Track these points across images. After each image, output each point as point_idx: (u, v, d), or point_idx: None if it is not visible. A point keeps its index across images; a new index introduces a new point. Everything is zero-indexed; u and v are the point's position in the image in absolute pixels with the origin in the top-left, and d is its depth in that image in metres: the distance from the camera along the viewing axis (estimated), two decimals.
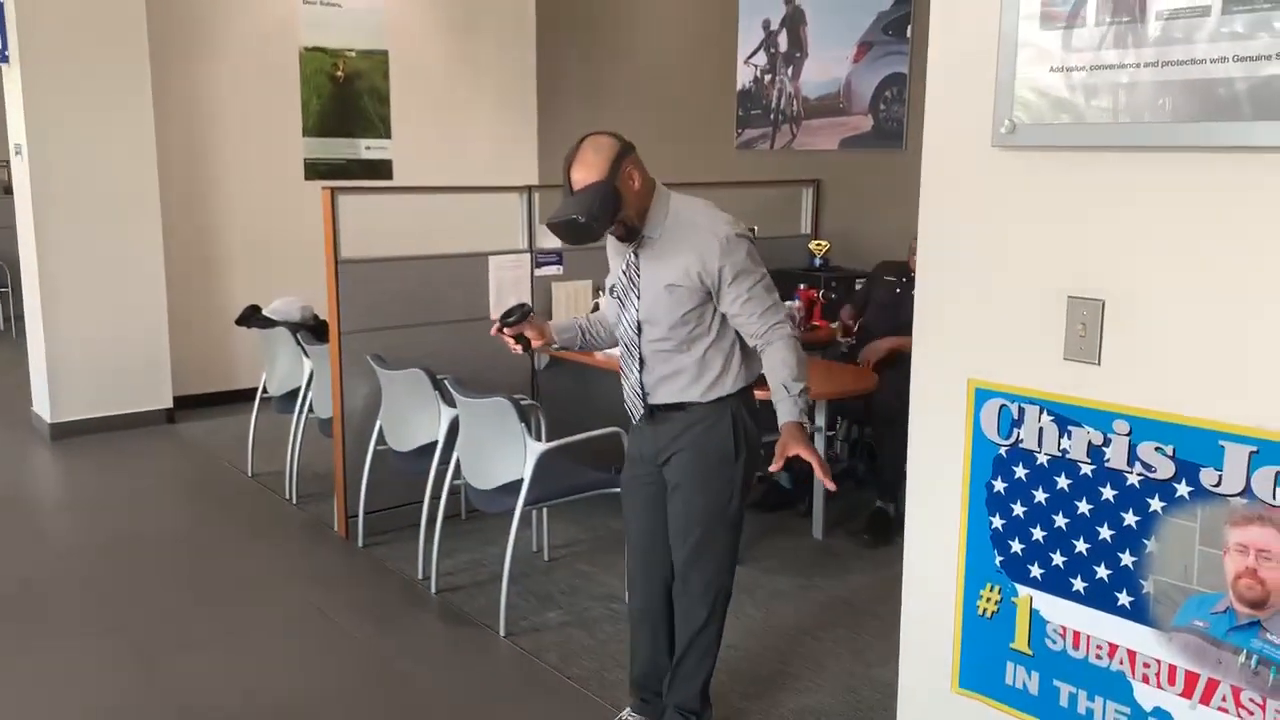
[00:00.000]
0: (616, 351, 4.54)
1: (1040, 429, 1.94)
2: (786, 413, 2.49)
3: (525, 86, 7.79)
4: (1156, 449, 1.78)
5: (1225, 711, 1.75)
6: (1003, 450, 2.01)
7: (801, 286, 5.21)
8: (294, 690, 3.23)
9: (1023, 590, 2.01)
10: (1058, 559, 1.95)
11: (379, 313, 4.35)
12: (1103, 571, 1.89)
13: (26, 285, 6.05)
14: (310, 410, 4.80)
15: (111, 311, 5.95)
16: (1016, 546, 2.01)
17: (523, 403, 3.60)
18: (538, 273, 4.76)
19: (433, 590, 3.89)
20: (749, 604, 3.78)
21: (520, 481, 3.53)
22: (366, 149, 7.10)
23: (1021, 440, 1.98)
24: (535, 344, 2.90)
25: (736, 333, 2.63)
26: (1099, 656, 1.91)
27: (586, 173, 2.56)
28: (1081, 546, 1.91)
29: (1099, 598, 1.90)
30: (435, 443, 3.96)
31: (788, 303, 4.74)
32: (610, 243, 2.76)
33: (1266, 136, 1.60)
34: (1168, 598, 1.80)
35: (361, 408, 4.37)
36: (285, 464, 4.97)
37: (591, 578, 4.02)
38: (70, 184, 5.76)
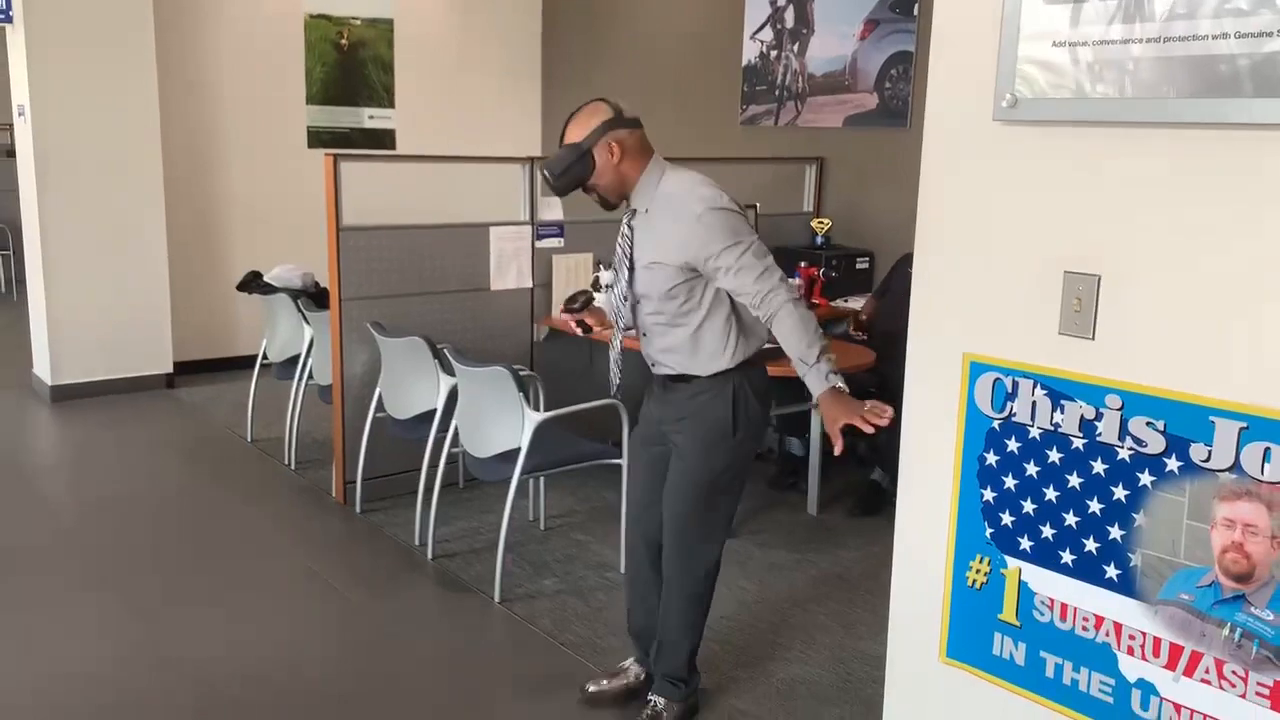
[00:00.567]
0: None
1: (1033, 403, 1.96)
2: (815, 384, 2.44)
3: (530, 58, 7.76)
4: (1148, 424, 1.80)
5: (1208, 683, 1.77)
6: (996, 423, 2.02)
7: (802, 264, 5.21)
8: (289, 652, 3.27)
9: (1012, 562, 2.03)
10: (1047, 531, 1.97)
11: (379, 281, 4.36)
12: (1091, 544, 1.91)
13: (28, 248, 6.06)
14: (310, 377, 4.81)
15: (113, 275, 5.96)
16: (1007, 519, 2.03)
17: (521, 373, 3.61)
18: (538, 244, 4.76)
19: (429, 556, 3.92)
20: (742, 576, 3.81)
21: (517, 450, 3.55)
22: (370, 118, 7.09)
23: (1014, 414, 1.99)
24: (595, 330, 2.96)
25: (733, 305, 2.62)
26: (1085, 628, 1.93)
27: (571, 132, 2.66)
28: (1071, 519, 1.93)
29: (1087, 570, 1.92)
30: (434, 411, 3.98)
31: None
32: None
33: (1266, 113, 1.60)
34: (1155, 571, 1.82)
35: (361, 375, 4.38)
36: (284, 430, 4.99)
37: (586, 547, 4.05)
38: (73, 146, 5.75)
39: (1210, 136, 1.68)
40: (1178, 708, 1.82)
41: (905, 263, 4.82)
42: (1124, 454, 1.84)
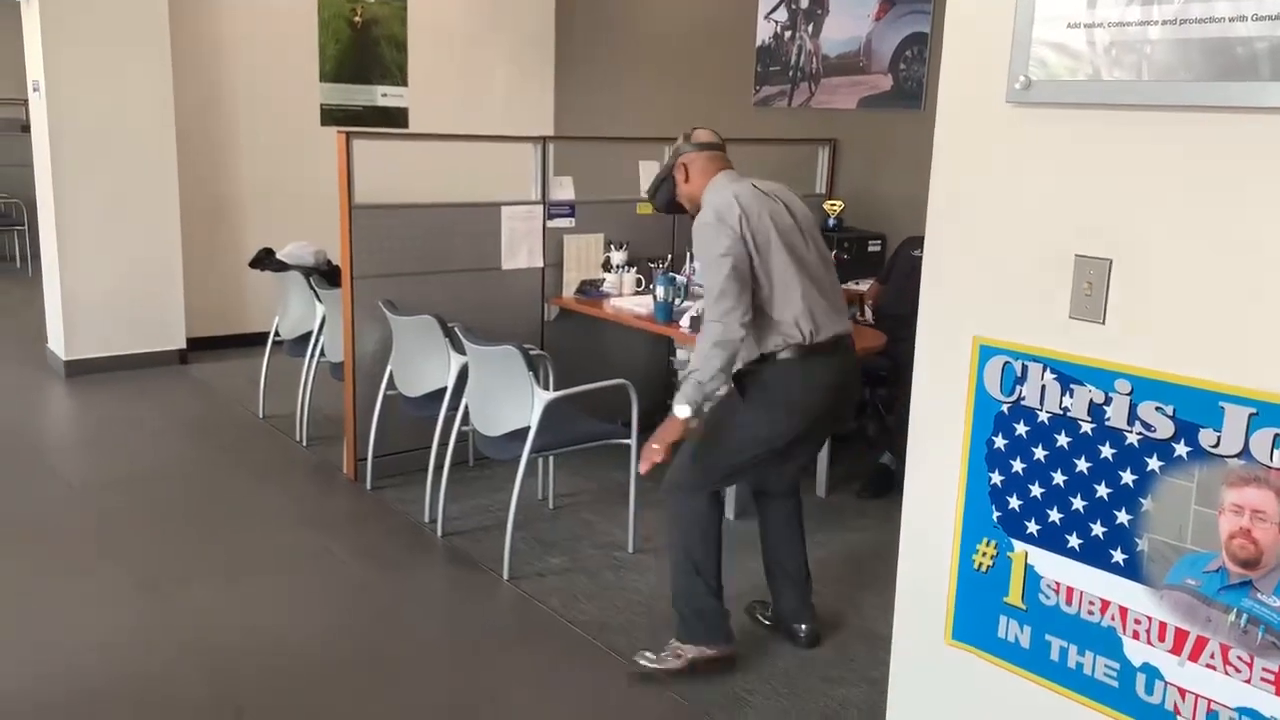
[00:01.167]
0: (625, 304, 4.59)
1: (1043, 386, 1.95)
2: (676, 400, 2.78)
3: (543, 37, 7.74)
4: (1157, 409, 1.80)
5: (1213, 668, 1.78)
6: (1005, 407, 2.02)
7: None
8: (299, 626, 3.30)
9: (1019, 545, 2.03)
10: (1054, 515, 1.97)
11: (391, 259, 4.37)
12: (1098, 529, 1.91)
13: (43, 223, 6.09)
14: (322, 354, 4.83)
15: (126, 251, 5.99)
16: (1014, 502, 2.03)
17: (531, 352, 3.62)
18: (550, 224, 4.76)
19: (439, 534, 3.94)
20: (750, 557, 3.80)
21: (527, 429, 3.56)
22: (383, 96, 7.08)
23: (1023, 398, 1.99)
24: None
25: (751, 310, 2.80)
26: (1091, 612, 1.94)
27: (666, 159, 3.15)
28: (1079, 504, 1.93)
29: (1093, 554, 1.92)
30: (444, 389, 3.99)
31: None
32: None
33: None
34: (1161, 556, 1.82)
35: (372, 352, 4.40)
36: (296, 407, 5.02)
37: (595, 526, 4.07)
38: (88, 122, 5.77)
39: (1226, 120, 1.67)
40: (1182, 692, 1.82)
41: (908, 246, 4.80)
42: (1132, 439, 1.84)
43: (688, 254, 4.92)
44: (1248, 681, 1.74)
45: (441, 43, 7.25)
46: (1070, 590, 1.96)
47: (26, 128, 6.53)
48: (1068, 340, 1.91)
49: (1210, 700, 1.79)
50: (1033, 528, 2.01)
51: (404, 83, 7.15)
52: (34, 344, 6.47)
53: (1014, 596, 2.06)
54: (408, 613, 3.41)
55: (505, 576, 3.61)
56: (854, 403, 3.08)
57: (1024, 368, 1.98)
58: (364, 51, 6.97)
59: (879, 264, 5.50)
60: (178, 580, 3.56)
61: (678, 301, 4.32)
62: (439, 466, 3.98)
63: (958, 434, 2.09)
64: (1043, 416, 1.96)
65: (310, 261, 5.11)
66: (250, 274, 6.28)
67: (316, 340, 4.86)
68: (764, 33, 6.21)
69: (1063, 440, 1.94)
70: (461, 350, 3.88)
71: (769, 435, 2.90)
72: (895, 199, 5.52)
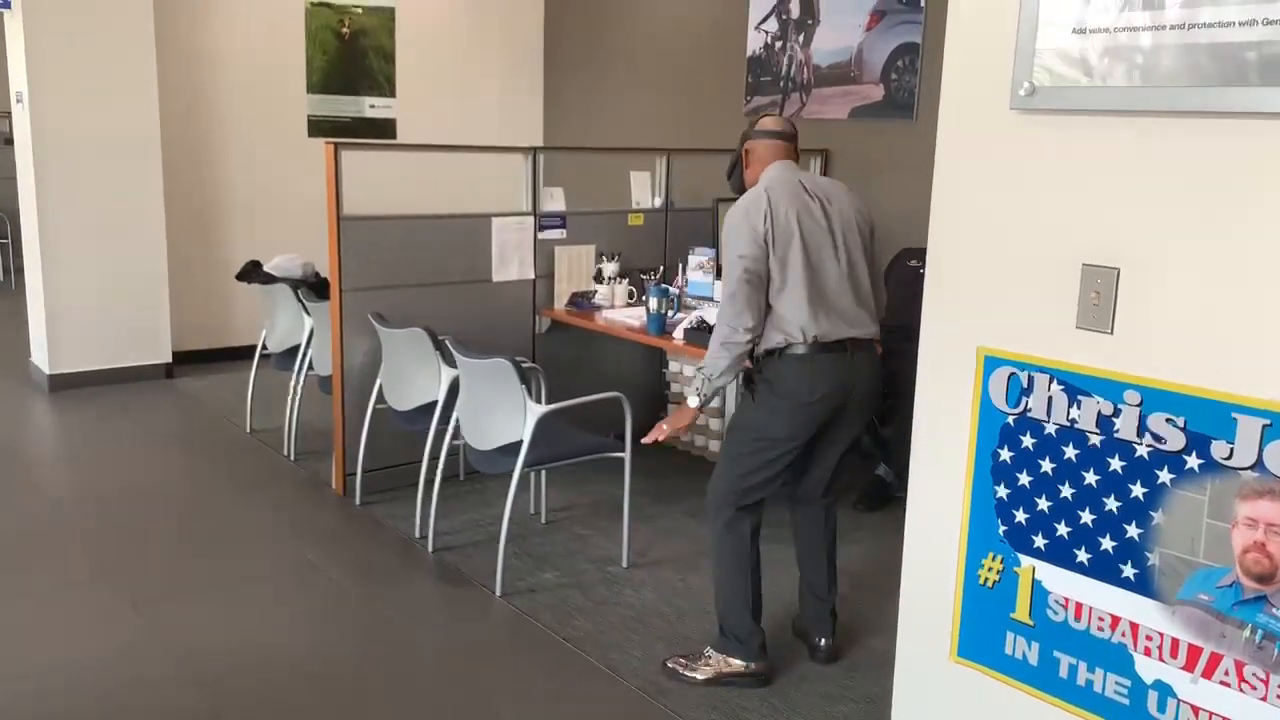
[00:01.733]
0: (618, 316, 4.55)
1: (1050, 398, 1.92)
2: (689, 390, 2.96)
3: (532, 48, 7.71)
4: (1167, 420, 1.76)
5: (1227, 685, 1.74)
6: (1010, 419, 1.99)
7: None
8: (289, 643, 3.23)
9: (1025, 560, 2.00)
10: (1062, 529, 1.93)
11: (380, 271, 4.31)
12: (1108, 543, 1.87)
13: (26, 236, 6.01)
14: (310, 368, 4.77)
15: (111, 264, 5.91)
16: (1021, 516, 1.99)
17: (524, 365, 3.57)
18: (541, 236, 4.72)
19: (429, 549, 3.88)
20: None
21: (519, 443, 3.51)
22: (371, 107, 7.04)
23: (1030, 409, 1.95)
24: None
25: (766, 297, 2.84)
26: (1100, 628, 1.90)
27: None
28: (1087, 517, 1.89)
29: (1103, 569, 1.88)
30: (435, 402, 3.94)
31: None
32: None
33: None
34: (1173, 570, 1.79)
35: (361, 366, 4.34)
36: (284, 421, 4.95)
37: (588, 541, 4.02)
38: (72, 134, 5.71)
39: (1234, 126, 1.64)
40: (1195, 710, 1.78)
41: (905, 256, 4.78)
42: (1142, 451, 1.80)
43: (679, 265, 4.89)
44: (1264, 699, 1.70)
45: (429, 53, 7.21)
46: (1079, 606, 1.93)
47: (10, 139, 6.45)
48: (1075, 351, 1.87)
49: (1225, 718, 1.75)
50: (1040, 542, 1.97)
51: (392, 94, 7.10)
52: (17, 358, 6.38)
53: (1021, 612, 2.02)
54: (400, 629, 3.35)
55: (498, 592, 3.55)
56: (873, 404, 3.05)
57: (1030, 379, 1.95)
58: (351, 63, 6.92)
59: None
60: (167, 596, 3.49)
61: (671, 313, 4.28)
62: (429, 481, 3.92)
63: (962, 446, 2.06)
64: (1050, 428, 1.93)
65: (298, 274, 5.05)
66: (237, 287, 6.21)
67: (305, 353, 4.80)
68: (754, 43, 6.19)
69: (1070, 452, 1.90)
70: (453, 363, 3.83)
71: (782, 434, 2.89)
72: (889, 209, 5.47)
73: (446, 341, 3.79)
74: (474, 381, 3.68)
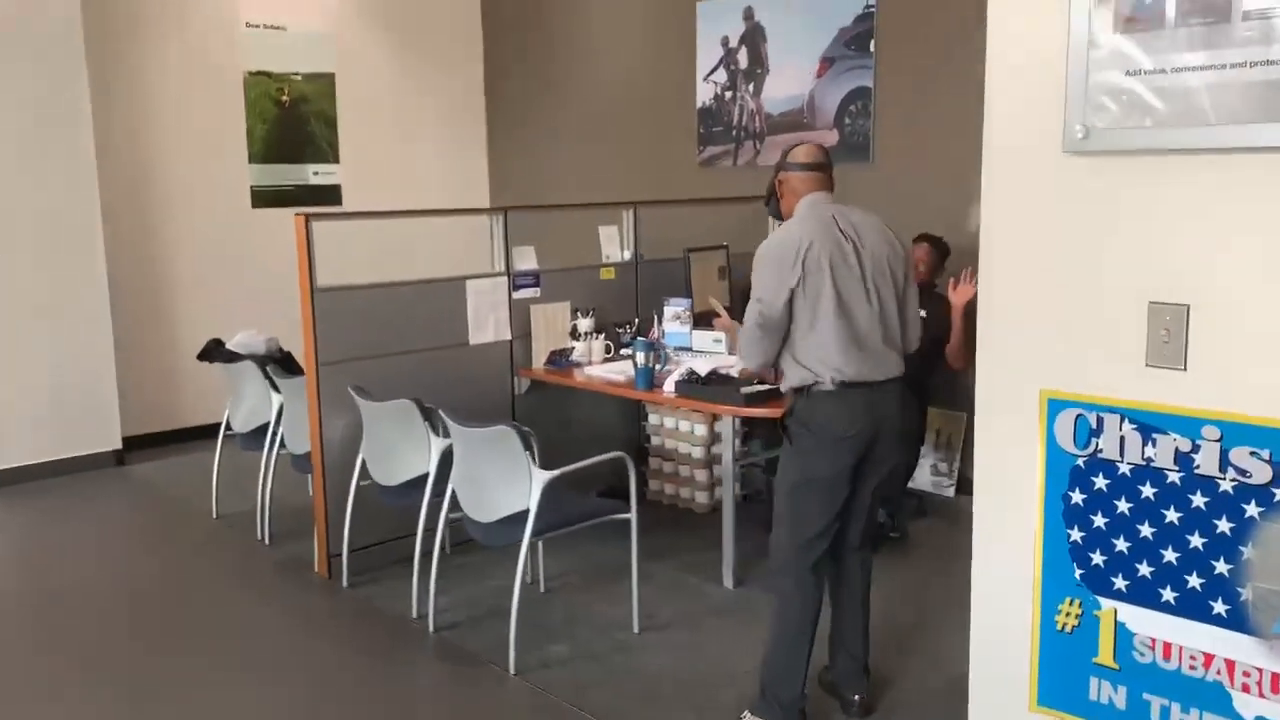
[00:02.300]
0: (599, 372, 4.49)
1: (1121, 437, 1.91)
2: None
3: (474, 107, 7.67)
4: (1251, 454, 1.76)
5: None
6: (1080, 461, 1.97)
7: None
8: None
9: (1106, 603, 1.97)
10: (1144, 570, 1.91)
11: (355, 342, 4.19)
12: (1195, 580, 1.85)
13: None
14: (282, 446, 4.60)
15: (52, 347, 5.66)
16: (1098, 559, 1.97)
17: (523, 430, 3.47)
18: (515, 295, 4.64)
19: (430, 629, 3.73)
20: (756, 625, 3.68)
21: (523, 513, 3.41)
22: (315, 174, 6.91)
23: (1101, 450, 1.94)
24: None
25: (787, 336, 2.87)
26: (1193, 667, 1.88)
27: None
28: (1170, 556, 1.88)
29: (1192, 607, 1.86)
30: (425, 476, 3.81)
31: None
32: None
33: None
34: (1268, 605, 1.78)
35: (340, 441, 4.19)
36: (253, 503, 4.75)
37: (591, 607, 3.91)
38: (6, 212, 5.47)
39: None
40: None
41: None
42: (1226, 486, 1.80)
43: (654, 317, 4.85)
44: None
45: (372, 118, 7.12)
46: (1168, 646, 1.90)
47: None
48: (1146, 389, 1.87)
49: None
50: (1120, 583, 1.95)
51: (336, 160, 6.99)
52: None
53: (1104, 656, 1.99)
54: (415, 716, 3.19)
55: (511, 670, 3.41)
56: (903, 440, 3.08)
57: (1099, 419, 1.93)
58: (293, 130, 6.79)
59: None
60: (150, 704, 3.28)
61: (659, 366, 4.22)
62: (425, 556, 3.78)
63: (1031, 491, 2.03)
64: (1124, 468, 1.91)
65: (263, 350, 4.88)
66: (187, 365, 6.01)
67: (275, 432, 4.62)
68: (704, 94, 6.24)
69: (1148, 491, 1.89)
70: (443, 433, 3.72)
71: (826, 472, 2.86)
72: None
73: (440, 412, 3.67)
74: (472, 451, 3.57)
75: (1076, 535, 1.99)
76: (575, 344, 4.71)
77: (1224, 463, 1.79)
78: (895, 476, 4.24)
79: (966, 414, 5.18)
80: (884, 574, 4.06)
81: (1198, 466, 1.82)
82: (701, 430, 4.86)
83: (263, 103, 6.65)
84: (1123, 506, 1.92)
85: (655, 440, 5.09)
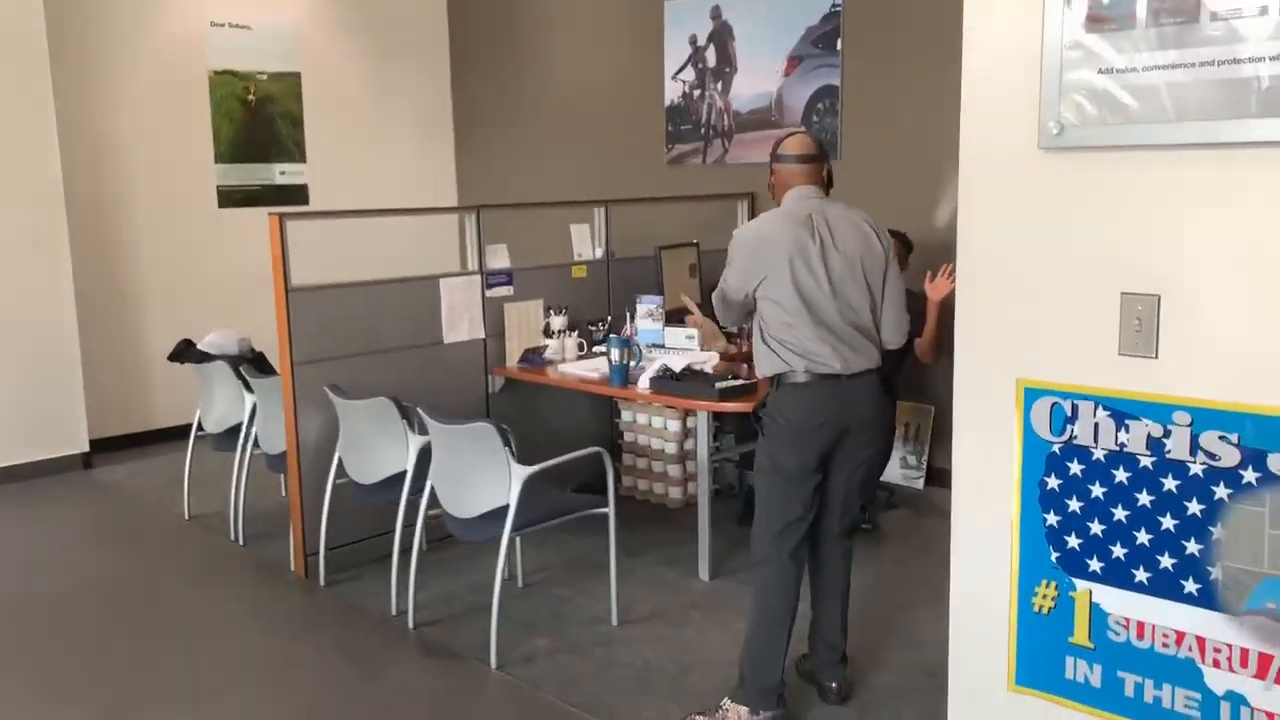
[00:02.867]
0: (573, 369, 4.51)
1: (1096, 424, 1.97)
2: None
3: (440, 105, 7.66)
4: (1220, 438, 1.83)
5: None
6: (1056, 447, 2.03)
7: None
8: None
9: (1081, 584, 2.04)
10: (1118, 551, 1.98)
11: (330, 341, 4.19)
12: (1167, 561, 1.92)
13: None
14: (255, 446, 4.58)
15: (16, 351, 5.58)
16: (1073, 541, 2.04)
17: (503, 427, 3.50)
18: (488, 294, 4.66)
19: (410, 625, 3.74)
20: (735, 617, 3.75)
21: (503, 508, 3.43)
22: (281, 174, 6.87)
23: (1075, 437, 2.00)
24: None
25: (762, 327, 2.94)
26: (1165, 645, 1.95)
27: None
28: (1143, 538, 1.95)
29: (1164, 587, 1.93)
30: (403, 473, 3.82)
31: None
32: None
33: None
34: (1237, 583, 1.85)
35: (316, 440, 4.19)
36: (225, 504, 4.73)
37: (571, 602, 3.94)
38: None
39: (1265, 155, 1.73)
40: (1270, 716, 1.84)
41: None
42: (1196, 469, 1.87)
43: (626, 314, 4.89)
44: None
45: (338, 117, 7.09)
46: (1141, 624, 1.97)
47: None
48: (1119, 377, 1.93)
49: None
50: (1095, 565, 2.02)
51: (302, 159, 6.95)
52: None
53: (1080, 636, 2.06)
54: (403, 714, 3.21)
55: (493, 664, 3.44)
56: (878, 430, 3.08)
57: (1074, 407, 2.00)
58: (259, 130, 6.75)
59: None
60: (130, 710, 3.26)
61: (633, 363, 4.26)
62: (404, 553, 3.79)
63: (1008, 477, 2.10)
64: (1098, 454, 1.98)
65: (235, 350, 4.87)
66: (153, 367, 6.00)
67: (248, 432, 4.60)
68: (672, 93, 6.28)
69: (1121, 476, 1.96)
70: (421, 431, 3.73)
71: (792, 464, 2.92)
72: None
73: (419, 409, 3.68)
74: (451, 448, 3.58)
75: (1052, 519, 2.06)
76: (549, 342, 4.73)
77: (1194, 447, 1.86)
78: (874, 467, 4.32)
79: (934, 407, 5.27)
80: (858, 565, 4.11)
81: (1169, 451, 1.89)
82: (674, 426, 4.90)
83: (229, 103, 6.60)
84: (1097, 491, 1.99)
85: (628, 437, 5.13)
